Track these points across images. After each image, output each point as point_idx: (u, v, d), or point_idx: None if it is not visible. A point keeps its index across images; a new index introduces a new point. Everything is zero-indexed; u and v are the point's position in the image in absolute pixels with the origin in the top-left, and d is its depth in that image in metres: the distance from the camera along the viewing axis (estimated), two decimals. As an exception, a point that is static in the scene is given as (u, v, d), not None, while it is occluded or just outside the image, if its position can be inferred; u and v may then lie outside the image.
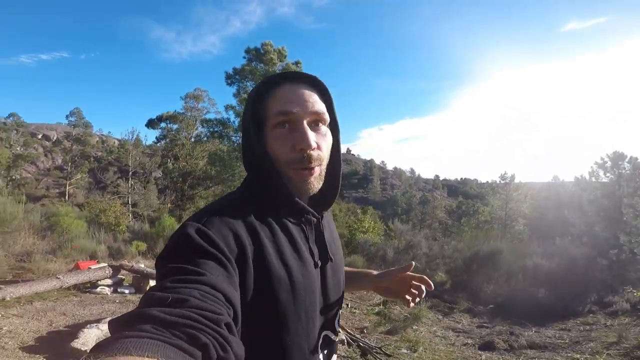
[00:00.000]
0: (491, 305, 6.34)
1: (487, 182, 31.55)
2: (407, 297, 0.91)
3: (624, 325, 5.08)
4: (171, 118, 26.54)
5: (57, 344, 3.55)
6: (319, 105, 0.70)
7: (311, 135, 0.68)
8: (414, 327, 5.09)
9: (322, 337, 0.72)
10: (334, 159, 0.75)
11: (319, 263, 0.73)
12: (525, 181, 26.34)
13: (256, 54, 16.73)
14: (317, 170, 0.69)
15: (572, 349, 4.34)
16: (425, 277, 0.92)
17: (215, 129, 17.25)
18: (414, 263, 0.90)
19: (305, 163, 0.67)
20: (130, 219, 15.74)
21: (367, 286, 0.99)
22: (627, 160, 14.79)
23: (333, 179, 0.76)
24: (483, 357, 4.22)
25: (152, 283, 6.21)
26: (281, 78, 0.71)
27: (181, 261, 0.54)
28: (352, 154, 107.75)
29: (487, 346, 4.55)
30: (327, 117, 0.72)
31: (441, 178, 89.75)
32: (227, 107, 17.61)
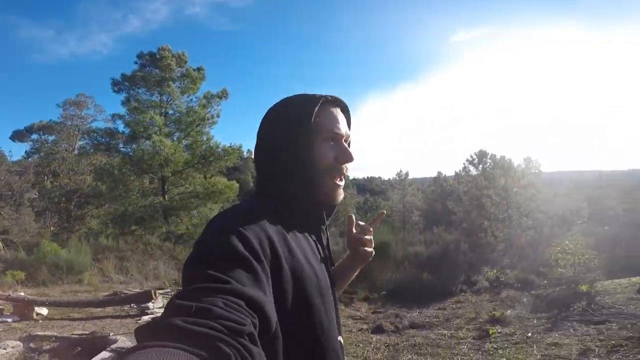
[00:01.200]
0: (384, 292, 7.11)
1: (389, 179, 34.80)
2: (362, 249, 0.96)
3: (481, 303, 6.13)
4: (45, 128, 23.02)
5: None
6: (348, 129, 0.83)
7: (350, 152, 0.80)
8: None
9: (338, 341, 0.76)
10: None
11: (332, 266, 0.82)
12: (417, 176, 29.75)
13: (151, 59, 15.58)
14: (344, 181, 0.81)
15: (443, 326, 5.08)
16: (360, 223, 1.00)
17: (101, 140, 15.55)
18: (352, 215, 0.99)
19: (343, 172, 0.79)
20: (1, 248, 13.25)
21: (351, 267, 1.02)
22: (489, 157, 17.89)
23: None
24: (374, 339, 4.72)
25: (38, 309, 5.73)
26: (323, 99, 0.79)
27: (210, 267, 0.54)
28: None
29: (378, 329, 5.11)
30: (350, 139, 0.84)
31: (351, 178, 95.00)
32: (114, 116, 16.04)
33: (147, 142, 14.40)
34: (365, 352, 4.21)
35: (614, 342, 3.49)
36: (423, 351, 4.13)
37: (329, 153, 0.77)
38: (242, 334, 0.46)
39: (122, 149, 15.74)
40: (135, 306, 6.31)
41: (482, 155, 17.74)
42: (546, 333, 4.19)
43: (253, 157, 0.84)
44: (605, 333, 3.77)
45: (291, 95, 0.83)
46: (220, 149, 15.48)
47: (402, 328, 5.15)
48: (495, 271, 7.53)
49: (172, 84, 15.55)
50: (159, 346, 0.39)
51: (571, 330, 4.08)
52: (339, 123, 0.79)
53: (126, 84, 15.57)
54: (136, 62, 15.86)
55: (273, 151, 0.78)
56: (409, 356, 3.99)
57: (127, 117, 15.24)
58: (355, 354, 4.17)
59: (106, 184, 14.75)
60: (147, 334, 0.43)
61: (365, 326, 5.40)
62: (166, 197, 15.12)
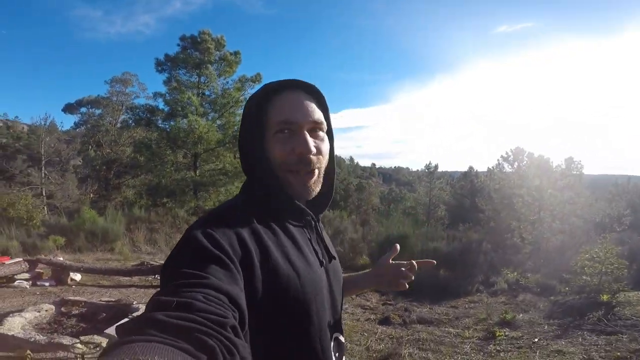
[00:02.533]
0: (395, 285, 7.13)
1: (417, 170, 34.13)
2: (402, 281, 0.97)
3: (495, 304, 5.98)
4: (93, 102, 24.46)
5: (-17, 332, 3.60)
6: (318, 114, 0.73)
7: (310, 140, 0.71)
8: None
9: (333, 339, 0.74)
10: (328, 164, 0.79)
11: (324, 262, 0.76)
12: (447, 170, 28.93)
13: (192, 42, 16.12)
14: (315, 173, 0.73)
15: (451, 324, 5.03)
16: (414, 262, 0.99)
17: (142, 115, 16.37)
18: (397, 246, 0.98)
19: (303, 166, 0.71)
20: (46, 212, 14.42)
21: (367, 284, 1.03)
22: (525, 155, 17.01)
23: (327, 182, 0.80)
24: (379, 330, 4.78)
25: (73, 275, 6.17)
26: (280, 86, 0.73)
27: (185, 265, 0.55)
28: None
29: (385, 321, 5.17)
30: (324, 125, 0.75)
31: (377, 166, 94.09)
32: (156, 95, 16.77)
33: (184, 120, 15.07)
34: (369, 341, 4.28)
35: (619, 353, 3.35)
36: (425, 347, 4.15)
37: (282, 146, 0.71)
38: (225, 327, 0.45)
39: (160, 125, 16.49)
40: (158, 277, 6.67)
41: (518, 152, 16.88)
42: (553, 340, 4.07)
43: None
44: (614, 344, 3.61)
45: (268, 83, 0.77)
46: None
47: (410, 322, 5.17)
48: (515, 273, 7.30)
49: (210, 66, 16.08)
50: (142, 341, 0.38)
51: (580, 339, 3.94)
52: (295, 110, 0.71)
53: (168, 64, 16.18)
54: (178, 45, 16.43)
55: (239, 150, 0.78)
56: (411, 350, 4.02)
57: (167, 95, 15.93)
58: (358, 342, 4.25)
59: (144, 156, 15.59)
60: (129, 330, 0.42)
61: (373, 316, 5.47)
62: (197, 172, 15.78)
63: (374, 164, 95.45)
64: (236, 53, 16.77)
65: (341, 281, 0.83)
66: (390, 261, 0.99)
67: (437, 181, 26.69)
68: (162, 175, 15.40)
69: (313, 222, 0.78)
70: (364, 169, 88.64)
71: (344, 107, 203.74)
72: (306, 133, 0.71)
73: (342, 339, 0.77)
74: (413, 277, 0.97)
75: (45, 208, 15.89)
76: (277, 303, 0.63)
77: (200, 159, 15.96)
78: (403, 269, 0.97)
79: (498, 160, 17.83)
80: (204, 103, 16.30)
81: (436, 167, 27.34)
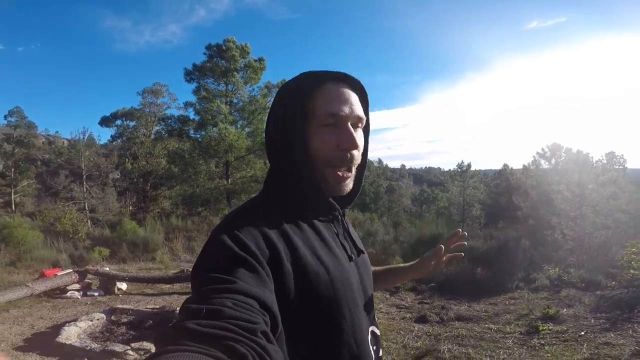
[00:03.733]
0: (432, 284, 7.04)
1: (449, 170, 33.38)
2: (444, 261, 1.00)
3: (536, 300, 5.80)
4: (127, 115, 25.63)
5: (43, 342, 3.97)
6: (361, 110, 0.72)
7: (356, 136, 0.70)
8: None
9: (370, 332, 0.74)
10: (362, 160, 0.77)
11: (353, 257, 0.75)
12: (480, 168, 28.11)
13: (217, 50, 16.58)
14: (353, 170, 0.73)
15: (491, 321, 4.94)
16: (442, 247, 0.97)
17: (174, 126, 17.05)
18: (442, 246, 0.95)
19: (346, 162, 0.70)
20: (90, 226, 15.30)
21: (403, 279, 1.05)
22: (563, 150, 16.30)
23: (357, 178, 0.78)
24: (416, 328, 4.77)
25: (119, 284, 6.45)
26: (326, 77, 0.71)
27: (212, 270, 0.55)
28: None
29: (421, 319, 5.14)
30: (364, 121, 0.74)
31: (407, 167, 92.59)
32: (187, 104, 17.44)
33: (214, 129, 15.42)
34: (406, 339, 4.29)
35: (676, 348, 3.19)
36: (465, 342, 4.10)
37: (327, 140, 0.69)
38: (256, 332, 0.46)
39: (192, 134, 17.06)
40: None
41: (555, 148, 16.21)
42: (601, 333, 3.92)
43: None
44: (668, 338, 3.44)
45: (304, 74, 0.73)
46: (278, 137, 16.16)
47: (447, 320, 5.11)
48: (558, 269, 7.04)
49: (237, 74, 16.44)
50: (176, 350, 0.40)
51: (630, 331, 3.77)
52: (342, 104, 0.69)
53: (196, 74, 16.76)
54: (205, 54, 16.96)
55: (272, 141, 0.73)
56: (450, 346, 3.99)
57: (197, 105, 16.48)
58: (395, 341, 4.26)
59: (178, 166, 16.22)
60: (163, 340, 0.44)
61: (409, 315, 5.45)
62: (229, 180, 16.21)
63: (403, 165, 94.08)
64: (260, 60, 17.12)
65: (371, 275, 0.82)
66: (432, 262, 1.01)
67: (471, 180, 25.96)
68: (196, 184, 15.95)
69: (340, 217, 0.77)
70: (393, 170, 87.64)
71: (372, 109, 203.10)
72: (351, 128, 0.69)
73: (377, 332, 0.77)
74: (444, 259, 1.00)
75: (89, 222, 16.80)
76: (309, 300, 0.62)
77: (231, 167, 16.39)
78: (437, 263, 1.00)
79: (534, 156, 17.22)
80: (232, 111, 16.70)
81: (469, 165, 26.63)
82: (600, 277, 6.22)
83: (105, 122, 27.19)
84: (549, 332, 4.18)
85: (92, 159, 22.28)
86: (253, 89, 17.28)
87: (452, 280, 7.11)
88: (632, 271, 5.13)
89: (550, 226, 11.47)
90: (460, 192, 26.02)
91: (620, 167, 15.46)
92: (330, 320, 0.65)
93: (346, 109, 0.69)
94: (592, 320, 4.42)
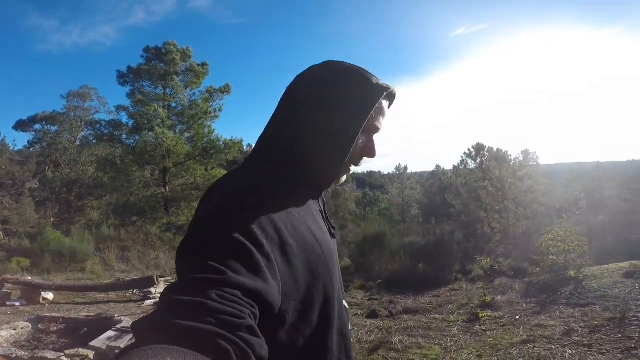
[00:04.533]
0: (380, 281, 7.27)
1: (388, 173, 35.03)
2: None
3: (474, 290, 6.23)
4: (49, 119, 23.10)
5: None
6: None
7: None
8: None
9: (343, 306, 0.76)
10: None
11: (335, 234, 0.80)
12: (416, 170, 29.92)
13: (156, 53, 15.77)
14: None
15: (436, 311, 5.23)
16: None
17: (104, 131, 15.69)
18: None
19: (359, 164, 0.78)
20: (2, 237, 13.48)
21: None
22: (486, 150, 17.98)
23: None
24: (368, 323, 4.88)
25: (44, 294, 5.92)
26: (390, 93, 0.76)
27: (201, 255, 0.52)
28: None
29: (372, 314, 5.26)
30: None
31: (350, 172, 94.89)
32: (119, 108, 16.16)
33: (150, 133, 14.59)
34: (359, 334, 4.36)
35: (596, 322, 3.63)
36: (414, 333, 4.28)
37: (359, 143, 0.74)
38: (240, 327, 0.44)
39: (125, 140, 15.87)
40: (137, 291, 6.48)
41: (479, 148, 17.83)
42: (533, 316, 4.33)
43: (278, 112, 0.75)
44: (589, 315, 3.91)
45: (351, 65, 0.75)
46: (221, 143, 15.66)
47: (396, 313, 5.30)
48: (489, 260, 7.68)
49: (176, 77, 15.73)
50: (155, 343, 0.39)
51: (557, 312, 4.23)
52: (383, 119, 0.76)
53: (131, 76, 15.68)
54: (142, 56, 16.02)
55: (319, 121, 0.71)
56: (401, 337, 4.13)
57: (131, 109, 15.39)
58: (349, 336, 4.33)
59: (109, 174, 14.92)
60: (143, 330, 0.43)
61: (360, 311, 5.56)
62: (167, 188, 15.30)
63: (371, 172, 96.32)
64: (203, 64, 16.55)
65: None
66: None
67: (408, 182, 27.53)
68: (130, 193, 14.79)
69: (323, 197, 0.83)
70: (353, 175, 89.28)
71: None
72: (374, 140, 0.77)
73: (346, 305, 0.79)
74: None
75: (1, 233, 14.83)
76: (311, 276, 0.63)
77: (169, 173, 15.51)
78: None
79: (462, 157, 18.78)
80: (170, 115, 15.92)
81: (405, 168, 28.21)
82: (526, 264, 6.90)
83: (21, 126, 24.23)
84: (488, 318, 4.53)
85: (4, 167, 19.62)
86: (194, 93, 16.61)
87: (398, 276, 7.41)
88: (551, 257, 5.76)
89: (480, 220, 12.53)
90: (399, 193, 27.47)
91: (534, 163, 17.40)
92: (325, 291, 0.66)
93: (384, 125, 0.76)
94: (524, 305, 4.87)
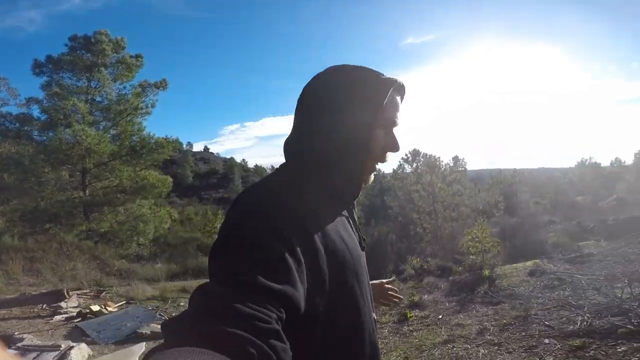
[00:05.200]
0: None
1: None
2: (384, 301, 1.11)
3: (406, 289, 6.44)
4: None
5: None
6: None
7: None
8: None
9: (372, 318, 0.77)
10: None
11: (365, 246, 0.80)
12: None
13: (84, 43, 14.23)
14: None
15: (369, 312, 5.38)
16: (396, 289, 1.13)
17: (10, 126, 13.71)
18: (394, 277, 1.09)
19: (384, 161, 0.77)
20: None
21: None
22: (420, 155, 19.06)
23: None
24: None
25: None
26: (393, 86, 0.75)
27: (231, 259, 0.53)
28: (211, 152, 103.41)
29: None
30: None
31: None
32: (30, 100, 14.25)
33: (67, 130, 13.01)
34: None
35: (505, 321, 3.90)
36: (344, 338, 4.28)
37: (380, 140, 0.75)
38: (266, 332, 0.45)
39: (36, 137, 13.99)
40: (46, 306, 5.85)
41: (415, 154, 18.81)
42: (454, 315, 4.57)
43: (297, 120, 0.77)
44: (500, 313, 4.21)
45: (355, 65, 0.77)
46: (153, 141, 14.54)
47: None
48: (419, 260, 8.07)
49: (104, 70, 14.34)
50: (181, 345, 0.40)
51: (474, 311, 4.50)
52: (399, 112, 0.77)
53: (50, 66, 13.91)
54: (67, 45, 14.34)
55: (332, 124, 0.72)
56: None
57: (45, 102, 13.63)
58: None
59: (14, 175, 13.02)
60: (171, 331, 0.45)
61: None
62: (87, 191, 13.82)
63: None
64: (138, 56, 15.27)
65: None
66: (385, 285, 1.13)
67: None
68: (41, 197, 13.02)
69: (353, 207, 0.82)
70: None
71: (265, 115, 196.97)
72: (395, 135, 0.77)
73: (375, 316, 0.80)
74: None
75: None
76: (339, 283, 0.64)
77: (90, 175, 14.02)
78: (391, 296, 1.13)
79: (399, 161, 19.71)
80: (93, 110, 14.44)
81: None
82: (450, 263, 7.34)
83: None
84: (415, 318, 4.69)
85: None
86: (125, 87, 15.26)
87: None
88: (471, 256, 6.18)
89: (413, 222, 13.21)
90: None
91: (463, 168, 18.82)
92: (355, 301, 0.68)
93: (400, 119, 0.77)
94: (447, 304, 5.13)
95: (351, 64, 0.77)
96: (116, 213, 13.85)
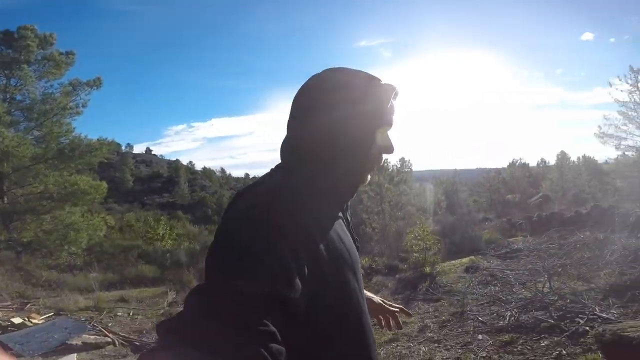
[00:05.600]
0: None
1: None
2: (382, 319, 1.09)
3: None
4: None
5: None
6: None
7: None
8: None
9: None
10: None
11: (359, 245, 0.81)
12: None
13: (4, 38, 12.83)
14: None
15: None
16: (403, 308, 1.11)
17: None
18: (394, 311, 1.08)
19: (380, 163, 0.78)
20: None
21: None
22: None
23: None
24: None
25: None
26: (393, 92, 0.76)
27: (228, 259, 0.53)
28: (154, 154, 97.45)
29: None
30: None
31: (251, 176, 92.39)
32: None
33: (-22, 131, 11.53)
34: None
35: (444, 317, 4.07)
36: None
37: (379, 142, 0.76)
38: (262, 335, 0.46)
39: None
40: None
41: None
42: (399, 313, 4.68)
43: (295, 120, 0.76)
44: (439, 310, 4.39)
45: (352, 69, 0.77)
46: (85, 143, 13.36)
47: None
48: (367, 259, 8.23)
49: (27, 67, 12.95)
50: (176, 346, 0.43)
51: (416, 308, 4.65)
52: (394, 115, 0.78)
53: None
54: (-17, 40, 12.72)
55: (336, 125, 0.71)
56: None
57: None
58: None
59: None
60: (167, 332, 0.46)
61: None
62: (5, 199, 12.36)
63: (247, 174, 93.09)
64: (69, 53, 13.96)
65: None
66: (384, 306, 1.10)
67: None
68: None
69: (347, 208, 0.83)
70: (237, 180, 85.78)
71: (215, 116, 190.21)
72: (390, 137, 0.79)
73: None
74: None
75: None
76: (341, 284, 0.64)
77: (8, 180, 12.54)
78: (391, 316, 1.11)
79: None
80: (12, 110, 12.97)
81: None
82: (397, 262, 7.57)
83: None
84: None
85: None
86: (52, 85, 13.87)
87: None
88: (414, 254, 6.40)
89: (363, 221, 13.50)
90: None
91: (409, 169, 19.64)
92: (357, 302, 0.68)
93: (395, 120, 0.78)
94: (393, 302, 5.25)
95: (346, 66, 0.79)
96: (41, 221, 12.49)
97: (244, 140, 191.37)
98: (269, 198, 0.61)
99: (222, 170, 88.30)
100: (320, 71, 0.77)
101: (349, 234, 0.76)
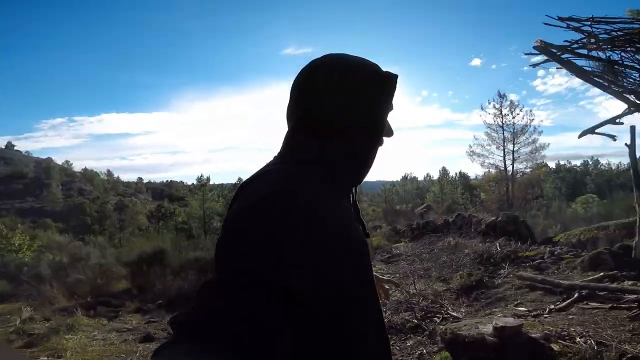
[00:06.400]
0: (160, 301, 6.87)
1: (191, 184, 33.58)
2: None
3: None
4: None
5: None
6: None
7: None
8: (66, 337, 4.86)
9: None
10: None
11: (368, 232, 0.79)
12: (221, 182, 29.96)
13: None
14: None
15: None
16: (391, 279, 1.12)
17: None
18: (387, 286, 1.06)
19: (382, 145, 0.78)
20: None
21: None
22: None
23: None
24: (140, 348, 4.54)
25: None
26: (397, 78, 0.77)
27: (237, 253, 0.53)
28: (17, 151, 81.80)
29: (147, 338, 4.88)
30: None
31: (145, 181, 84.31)
32: None
33: None
34: (128, 360, 4.04)
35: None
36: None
37: (387, 127, 0.80)
38: (270, 330, 0.47)
39: None
40: None
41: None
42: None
43: (300, 107, 0.73)
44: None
45: (360, 57, 0.76)
46: None
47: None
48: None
49: None
50: (184, 342, 0.44)
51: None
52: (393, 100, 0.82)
53: None
54: None
55: (354, 113, 0.71)
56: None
57: None
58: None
59: None
60: (179, 326, 0.47)
61: (132, 337, 5.12)
62: None
63: (141, 179, 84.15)
64: None
65: None
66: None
67: (210, 193, 27.14)
68: None
69: (354, 195, 0.81)
70: (127, 184, 77.19)
71: (105, 111, 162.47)
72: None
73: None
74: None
75: None
76: (344, 267, 0.63)
77: None
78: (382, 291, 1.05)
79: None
80: None
81: (208, 179, 27.76)
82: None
83: None
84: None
85: None
86: None
87: (183, 294, 7.17)
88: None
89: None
90: (201, 205, 26.81)
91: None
92: (365, 291, 0.68)
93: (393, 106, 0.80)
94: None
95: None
96: None
97: (139, 140, 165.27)
98: (278, 188, 0.60)
99: (109, 173, 78.70)
100: (322, 56, 0.76)
101: (356, 223, 0.75)
